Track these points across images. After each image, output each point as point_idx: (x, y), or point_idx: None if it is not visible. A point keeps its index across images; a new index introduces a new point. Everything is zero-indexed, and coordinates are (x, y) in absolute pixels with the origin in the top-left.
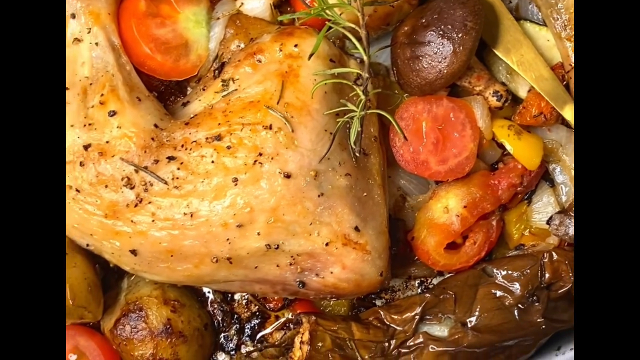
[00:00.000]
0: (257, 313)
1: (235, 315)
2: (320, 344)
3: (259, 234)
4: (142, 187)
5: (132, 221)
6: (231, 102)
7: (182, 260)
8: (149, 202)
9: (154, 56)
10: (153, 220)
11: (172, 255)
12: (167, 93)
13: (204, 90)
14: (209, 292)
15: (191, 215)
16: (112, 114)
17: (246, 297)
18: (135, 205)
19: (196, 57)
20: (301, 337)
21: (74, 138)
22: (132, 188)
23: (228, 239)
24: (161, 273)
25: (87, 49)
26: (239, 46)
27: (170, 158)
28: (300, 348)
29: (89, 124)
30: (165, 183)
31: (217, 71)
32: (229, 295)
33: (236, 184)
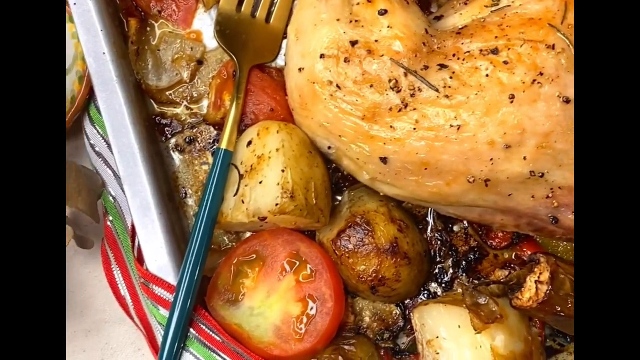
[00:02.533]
0: (475, 248)
1: (453, 247)
2: (559, 286)
3: (525, 158)
4: (408, 92)
5: (391, 126)
6: (507, 17)
7: (434, 175)
8: (414, 109)
9: None
10: (414, 128)
11: (425, 169)
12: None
13: (465, 4)
14: (429, 218)
15: (457, 128)
16: (383, 12)
17: (466, 229)
18: (399, 110)
19: None
20: (537, 277)
21: (338, 33)
22: (398, 92)
23: (491, 159)
24: (406, 186)
25: None
26: None
27: (442, 66)
28: (537, 288)
29: (355, 21)
30: (436, 90)
31: None
32: (450, 225)
33: (512, 102)
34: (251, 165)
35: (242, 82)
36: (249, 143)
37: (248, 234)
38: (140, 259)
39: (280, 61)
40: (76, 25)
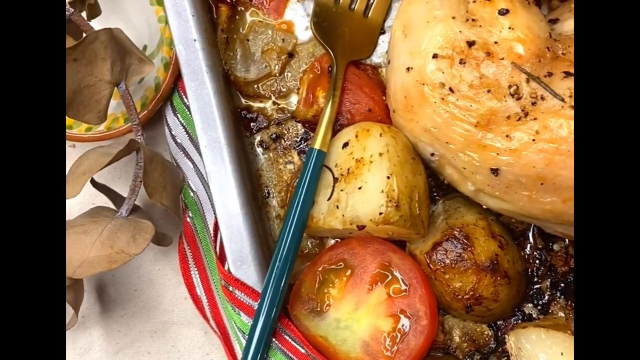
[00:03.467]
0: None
1: (552, 267)
2: None
3: None
4: (530, 100)
5: (507, 136)
6: None
7: (550, 191)
8: (534, 119)
9: None
10: (533, 140)
11: (541, 184)
12: None
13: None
14: (529, 235)
15: None
16: (504, 12)
17: (567, 248)
18: (518, 119)
19: None
20: None
21: (454, 31)
22: (518, 99)
23: None
24: (515, 201)
25: None
26: None
27: (567, 74)
28: None
29: (472, 19)
30: (562, 100)
31: None
32: (550, 243)
33: None
34: (348, 169)
35: (338, 78)
36: (346, 145)
37: (332, 240)
38: (221, 259)
39: (375, 58)
40: (166, 9)
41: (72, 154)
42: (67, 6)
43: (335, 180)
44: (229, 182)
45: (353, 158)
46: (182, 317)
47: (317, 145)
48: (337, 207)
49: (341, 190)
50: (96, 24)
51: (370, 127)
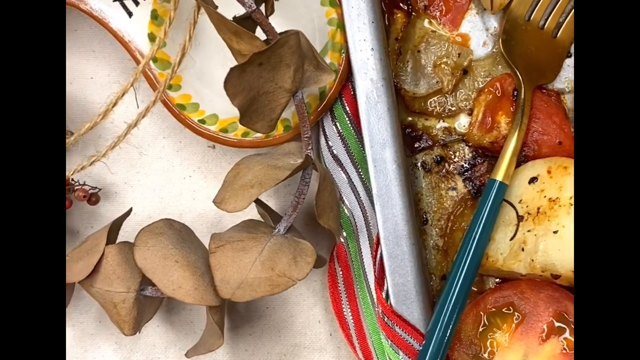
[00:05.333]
0: None
1: None
2: None
3: None
4: None
5: None
6: None
7: None
8: None
9: None
10: None
11: None
12: None
13: None
14: None
15: None
16: None
17: None
18: None
19: None
20: None
21: None
22: None
23: None
24: None
25: None
26: None
27: None
28: None
29: None
30: None
31: None
32: None
33: None
34: (538, 208)
35: (527, 104)
36: (534, 180)
37: (494, 280)
38: (379, 284)
39: (558, 84)
40: (344, 12)
41: (212, 155)
42: (251, 2)
43: (520, 218)
44: (396, 207)
45: (545, 197)
46: (314, 341)
47: (499, 177)
48: (523, 249)
49: (528, 231)
50: None
51: (569, 165)
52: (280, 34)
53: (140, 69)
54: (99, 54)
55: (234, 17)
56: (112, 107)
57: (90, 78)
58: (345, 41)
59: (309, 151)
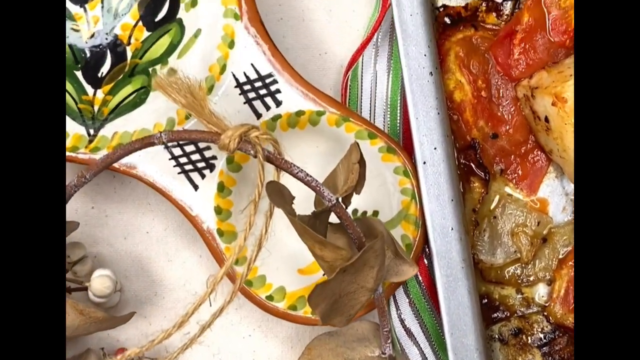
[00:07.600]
0: None
1: None
2: None
3: None
4: None
5: None
6: None
7: None
8: None
9: None
10: None
11: None
12: None
13: None
14: None
15: None
16: None
17: None
18: None
19: None
20: None
21: None
22: None
23: None
24: None
25: None
26: None
27: None
28: None
29: None
30: None
31: None
32: None
33: None
34: None
35: None
36: None
37: None
38: None
39: None
40: (422, 191)
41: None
42: (330, 196)
43: None
44: None
45: None
46: None
47: None
48: None
49: None
50: None
51: None
52: (361, 229)
53: (218, 279)
54: (154, 207)
55: (313, 212)
56: (188, 318)
57: (145, 232)
58: (422, 217)
59: (387, 346)
